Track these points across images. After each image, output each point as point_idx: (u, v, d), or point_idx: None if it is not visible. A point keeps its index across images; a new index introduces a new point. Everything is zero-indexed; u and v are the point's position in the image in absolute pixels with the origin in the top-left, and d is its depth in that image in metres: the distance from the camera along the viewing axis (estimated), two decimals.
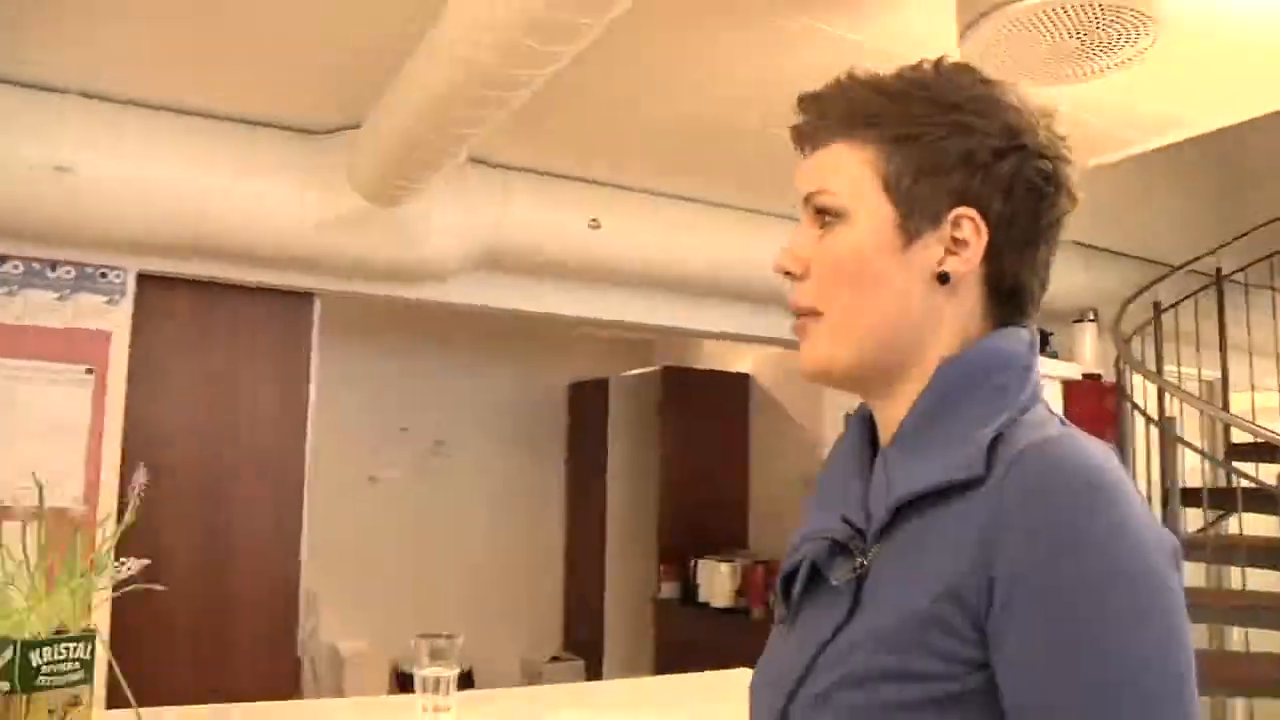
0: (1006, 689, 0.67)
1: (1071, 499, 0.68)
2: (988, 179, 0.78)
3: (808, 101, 0.85)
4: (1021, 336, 0.82)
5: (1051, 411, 0.80)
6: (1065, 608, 0.66)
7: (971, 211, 0.79)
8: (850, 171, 0.81)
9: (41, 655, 1.25)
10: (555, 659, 5.84)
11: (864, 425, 0.88)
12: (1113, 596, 0.66)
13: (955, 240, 0.79)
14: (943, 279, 0.79)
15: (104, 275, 3.18)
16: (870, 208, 0.80)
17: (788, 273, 0.84)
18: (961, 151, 0.78)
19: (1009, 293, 0.82)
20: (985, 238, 0.79)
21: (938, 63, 0.82)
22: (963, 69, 0.82)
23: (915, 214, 0.79)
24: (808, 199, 0.84)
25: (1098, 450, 0.72)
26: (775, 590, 0.88)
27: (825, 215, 0.82)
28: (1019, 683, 0.67)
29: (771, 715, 0.80)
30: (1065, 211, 0.82)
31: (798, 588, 0.83)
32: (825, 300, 0.82)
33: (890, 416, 0.83)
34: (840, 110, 0.83)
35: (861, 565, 0.77)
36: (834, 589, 0.78)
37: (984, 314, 0.82)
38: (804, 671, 0.78)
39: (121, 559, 1.39)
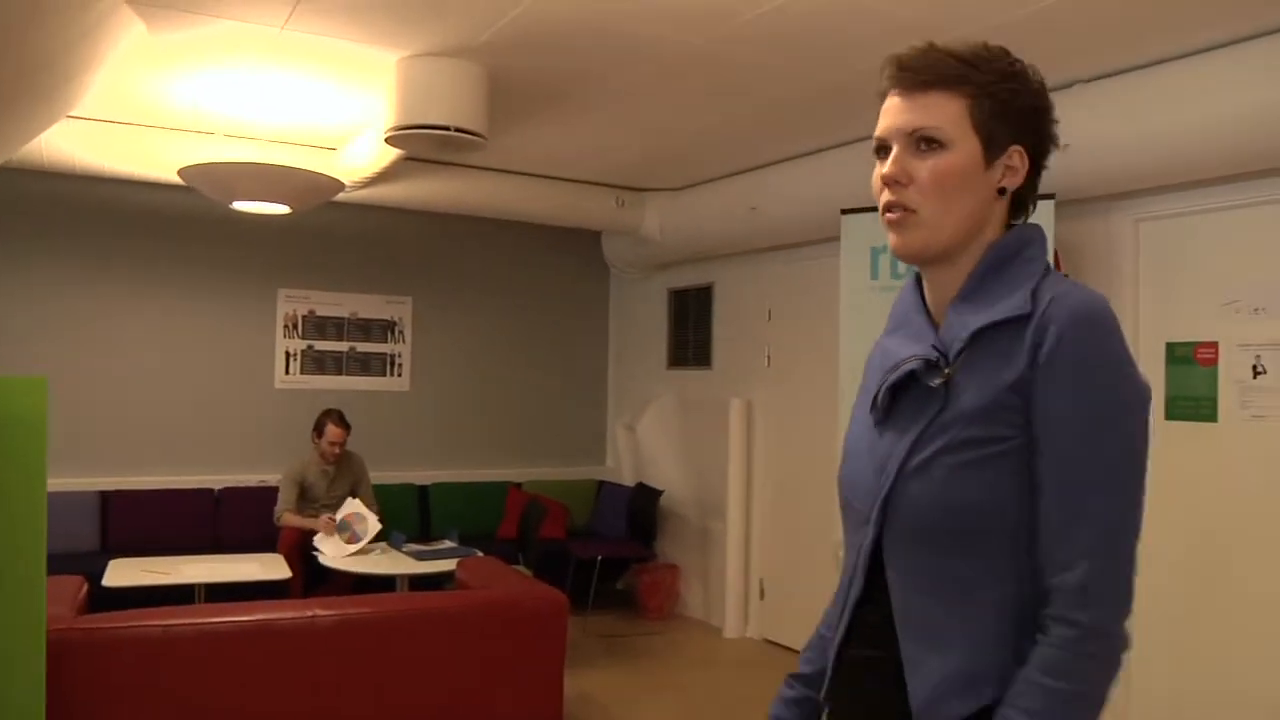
0: (1038, 417, 1.05)
1: (1093, 323, 1.06)
2: (1029, 126, 1.15)
3: (908, 60, 1.14)
4: (1038, 228, 1.19)
5: (1065, 276, 1.15)
6: (1086, 373, 1.05)
7: (1019, 148, 1.14)
8: (951, 114, 1.12)
9: None
10: None
11: (918, 287, 1.23)
12: (1115, 379, 1.05)
13: (1008, 167, 1.15)
14: (1001, 192, 1.16)
15: None
16: (966, 141, 1.13)
17: (897, 182, 1.13)
18: (1018, 106, 1.14)
19: (1019, 202, 1.19)
20: (1028, 165, 1.15)
21: (987, 45, 1.15)
22: (1004, 51, 1.16)
23: (991, 147, 1.13)
24: (913, 132, 1.13)
25: (1104, 299, 1.09)
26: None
27: (930, 144, 1.12)
28: (1048, 413, 1.04)
29: (882, 482, 1.14)
30: (1051, 153, 1.20)
31: (883, 397, 1.17)
32: (923, 203, 1.13)
33: (948, 279, 1.17)
34: (937, 70, 1.13)
35: (947, 374, 1.12)
36: (927, 391, 1.13)
37: (1006, 214, 1.18)
38: (909, 448, 1.12)
39: None
